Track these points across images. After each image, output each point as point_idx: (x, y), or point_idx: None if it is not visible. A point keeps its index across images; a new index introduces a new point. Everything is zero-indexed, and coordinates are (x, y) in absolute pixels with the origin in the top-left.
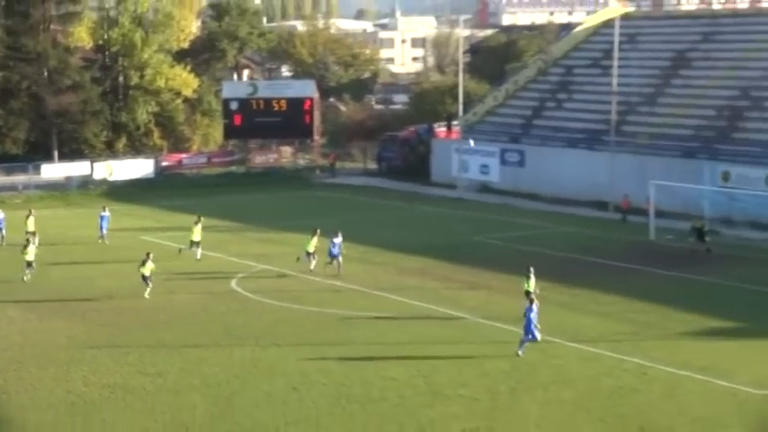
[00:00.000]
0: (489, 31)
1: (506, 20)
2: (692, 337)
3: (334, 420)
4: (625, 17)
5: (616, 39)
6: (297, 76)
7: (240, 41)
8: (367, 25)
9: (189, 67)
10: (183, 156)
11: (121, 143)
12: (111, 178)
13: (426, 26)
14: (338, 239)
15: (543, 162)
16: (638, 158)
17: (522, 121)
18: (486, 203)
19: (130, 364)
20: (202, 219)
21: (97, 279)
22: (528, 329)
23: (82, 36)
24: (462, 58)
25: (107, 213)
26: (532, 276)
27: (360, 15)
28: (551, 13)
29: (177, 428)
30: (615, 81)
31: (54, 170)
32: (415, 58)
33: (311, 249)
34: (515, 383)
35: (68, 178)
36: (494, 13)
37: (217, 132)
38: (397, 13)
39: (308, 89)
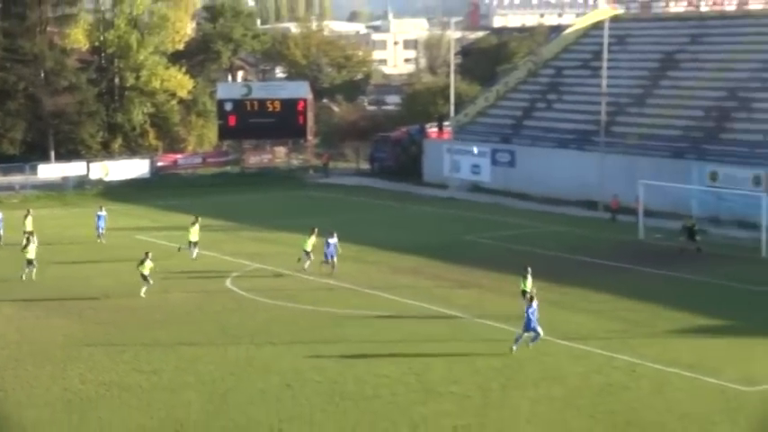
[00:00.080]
0: (480, 33)
1: (497, 22)
2: (680, 335)
3: (328, 417)
4: (614, 19)
5: (605, 40)
6: (290, 77)
7: (234, 43)
8: (360, 27)
9: (184, 69)
10: (179, 156)
11: (117, 144)
12: (107, 178)
13: (418, 28)
14: (333, 240)
15: (534, 162)
16: (627, 159)
17: (512, 121)
18: (477, 203)
19: (126, 361)
20: (199, 219)
21: (94, 278)
22: (528, 327)
23: (78, 38)
24: (454, 60)
25: (104, 213)
26: (529, 276)
27: (352, 17)
28: (541, 15)
29: (172, 425)
30: (605, 82)
31: (51, 170)
32: (407, 60)
33: (308, 248)
34: (506, 380)
35: (65, 178)
36: (485, 15)
37: (211, 133)
38: (390, 16)
39: (301, 90)
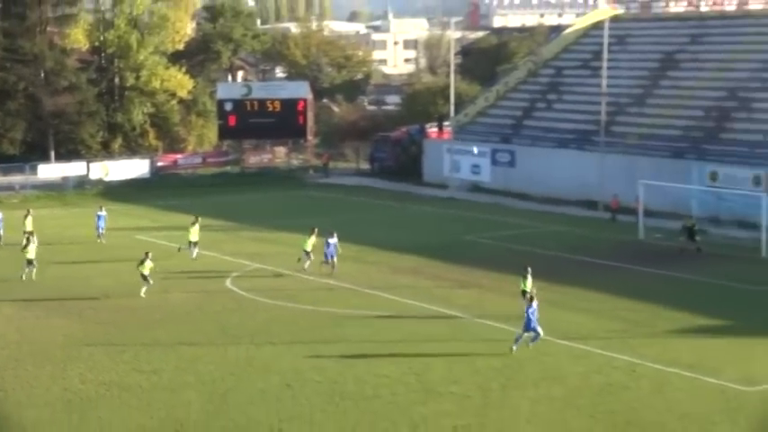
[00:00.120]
0: (480, 33)
1: (497, 22)
2: (680, 335)
3: (328, 417)
4: (614, 19)
5: (605, 40)
6: (290, 77)
7: (234, 43)
8: (360, 27)
9: (184, 69)
10: (179, 156)
11: (117, 144)
12: (107, 178)
13: (418, 28)
14: (333, 240)
15: (534, 162)
16: (627, 158)
17: (512, 121)
18: (477, 203)
19: (126, 361)
20: (199, 219)
21: (93, 278)
22: (528, 327)
23: (78, 38)
24: (454, 60)
25: (104, 213)
26: (529, 277)
27: (352, 17)
28: (541, 15)
29: (173, 425)
30: (604, 82)
31: (51, 170)
32: (407, 60)
33: (309, 248)
34: (506, 380)
35: (65, 178)
36: (485, 15)
37: (211, 133)
38: (390, 16)
39: (301, 90)
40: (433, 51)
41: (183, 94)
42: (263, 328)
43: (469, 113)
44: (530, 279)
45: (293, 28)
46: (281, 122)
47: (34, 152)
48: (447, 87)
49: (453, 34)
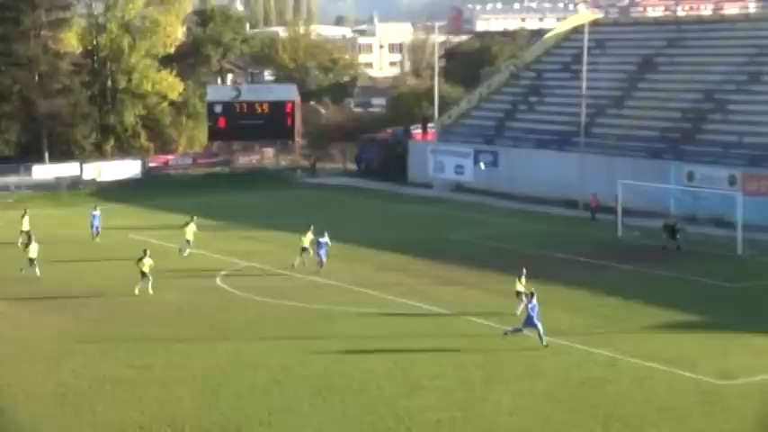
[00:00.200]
0: (464, 37)
1: (480, 26)
2: (658, 331)
3: (315, 411)
4: (594, 23)
5: (585, 44)
6: (279, 80)
7: (224, 47)
8: (346, 31)
9: (175, 72)
10: (170, 157)
11: (110, 145)
12: (99, 179)
13: (403, 32)
14: (324, 239)
15: (516, 162)
16: (606, 159)
17: (495, 123)
18: (460, 202)
19: (119, 357)
20: (195, 219)
21: (87, 276)
22: (529, 322)
23: (71, 42)
24: (438, 63)
25: (98, 212)
26: (524, 278)
27: (339, 22)
28: (523, 20)
29: (165, 419)
30: (584, 85)
31: (45, 171)
32: (392, 63)
33: (306, 244)
34: (489, 375)
35: (59, 179)
36: (468, 19)
37: (202, 134)
38: (375, 20)
39: (289, 93)
40: (418, 55)
41: (173, 96)
42: (252, 325)
43: (453, 115)
44: (524, 280)
45: (281, 32)
46: (269, 124)
47: (29, 153)
48: (431, 90)
49: (437, 38)
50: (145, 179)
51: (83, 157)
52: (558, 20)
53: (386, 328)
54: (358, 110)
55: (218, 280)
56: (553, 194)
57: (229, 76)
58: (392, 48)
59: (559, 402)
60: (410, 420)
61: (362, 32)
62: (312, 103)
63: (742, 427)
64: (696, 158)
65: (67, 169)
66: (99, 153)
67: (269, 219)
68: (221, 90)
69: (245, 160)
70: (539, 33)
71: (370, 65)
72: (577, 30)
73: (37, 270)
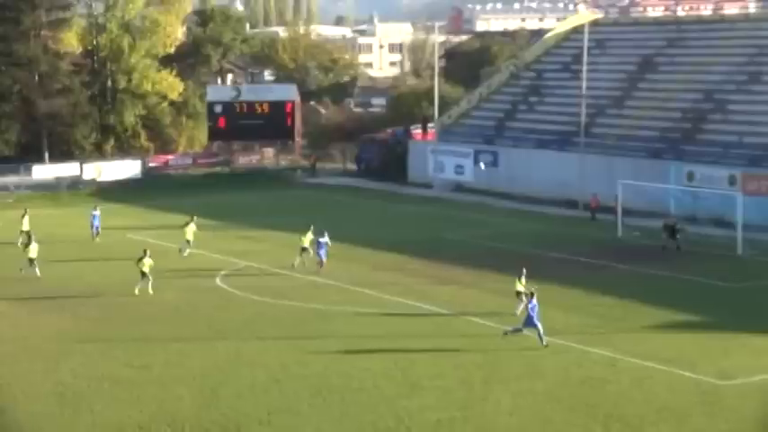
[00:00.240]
0: (464, 37)
1: (480, 26)
2: (658, 330)
3: (314, 410)
4: (594, 23)
5: (585, 44)
6: (279, 80)
7: (224, 47)
8: (346, 31)
9: (175, 72)
10: (170, 157)
11: (110, 145)
12: (99, 179)
13: (403, 32)
14: (324, 239)
15: (516, 162)
16: (606, 159)
17: (495, 123)
18: (460, 202)
19: (117, 357)
20: (195, 218)
21: (86, 276)
22: (529, 322)
23: (71, 42)
24: (438, 63)
25: (98, 212)
26: (524, 278)
27: (339, 22)
28: (523, 20)
29: (164, 418)
30: (584, 85)
31: (45, 171)
32: (392, 63)
33: (306, 244)
34: (489, 375)
35: (59, 179)
36: (468, 19)
37: (202, 134)
38: (375, 20)
39: (289, 93)
40: (418, 55)
41: (173, 96)
42: (251, 324)
43: (453, 115)
44: (524, 280)
45: (281, 32)
46: (269, 124)
47: (29, 153)
48: (431, 90)
49: (437, 38)
50: (145, 179)
51: (83, 157)
52: (558, 20)
53: (384, 328)
54: (358, 110)
55: (217, 280)
56: (553, 194)
57: (229, 76)
58: (392, 48)
59: (559, 402)
60: (410, 420)
61: (362, 32)
62: (312, 103)
63: (741, 427)
64: (696, 158)
65: (67, 169)
66: (99, 153)
67: (268, 219)
68: (221, 90)
69: (245, 160)
70: (539, 33)
71: (370, 65)
72: (577, 30)
73: (37, 270)
